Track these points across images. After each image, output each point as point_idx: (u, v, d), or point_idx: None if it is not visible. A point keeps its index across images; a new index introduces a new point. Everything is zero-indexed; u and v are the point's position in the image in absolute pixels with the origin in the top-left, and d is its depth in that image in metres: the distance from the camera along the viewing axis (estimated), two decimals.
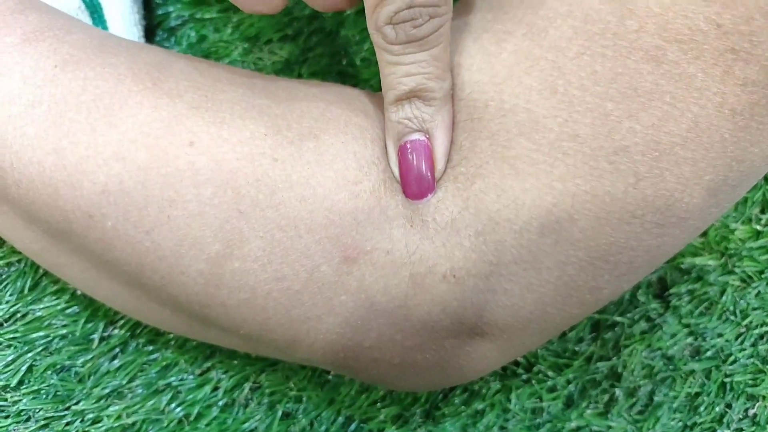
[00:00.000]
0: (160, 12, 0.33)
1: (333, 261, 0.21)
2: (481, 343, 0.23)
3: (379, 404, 0.30)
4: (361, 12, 0.33)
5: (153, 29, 0.33)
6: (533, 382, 0.30)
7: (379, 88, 0.22)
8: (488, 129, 0.21)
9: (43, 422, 0.29)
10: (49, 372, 0.30)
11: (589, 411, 0.30)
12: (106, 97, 0.21)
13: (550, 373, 0.30)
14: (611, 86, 0.20)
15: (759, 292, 0.31)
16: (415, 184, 0.21)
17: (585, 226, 0.20)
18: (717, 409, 0.31)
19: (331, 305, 0.21)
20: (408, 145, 0.22)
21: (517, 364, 0.31)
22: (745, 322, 0.31)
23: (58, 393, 0.29)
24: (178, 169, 0.21)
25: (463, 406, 0.30)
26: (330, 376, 0.30)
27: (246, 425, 0.29)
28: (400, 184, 0.22)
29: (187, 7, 0.33)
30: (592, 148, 0.20)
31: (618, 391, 0.31)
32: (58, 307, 0.30)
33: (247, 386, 0.30)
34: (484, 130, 0.21)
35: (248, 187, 0.21)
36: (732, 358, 0.31)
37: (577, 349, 0.31)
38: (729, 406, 0.31)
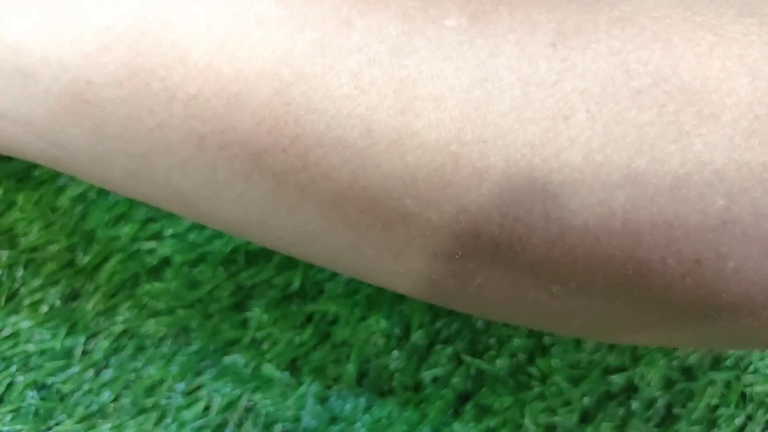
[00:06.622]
0: None
1: None
2: None
3: (384, 421, 0.28)
4: None
5: None
6: (547, 395, 0.29)
7: None
8: None
9: None
10: (29, 389, 0.28)
11: (605, 425, 0.29)
12: None
13: (564, 386, 0.29)
14: None
15: None
16: None
17: None
18: (737, 421, 0.29)
19: None
20: None
21: (530, 375, 0.29)
22: None
23: (40, 412, 0.28)
24: None
25: (473, 422, 0.28)
26: (331, 392, 0.29)
27: None
28: None
29: None
30: None
31: (635, 404, 0.29)
32: (37, 320, 0.28)
33: (240, 405, 0.28)
34: None
35: None
36: (752, 368, 0.30)
37: (592, 359, 0.30)
38: (750, 417, 0.30)
